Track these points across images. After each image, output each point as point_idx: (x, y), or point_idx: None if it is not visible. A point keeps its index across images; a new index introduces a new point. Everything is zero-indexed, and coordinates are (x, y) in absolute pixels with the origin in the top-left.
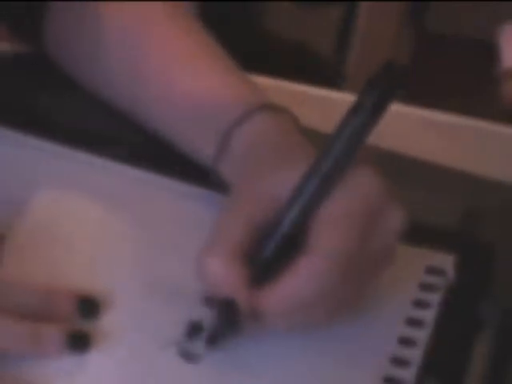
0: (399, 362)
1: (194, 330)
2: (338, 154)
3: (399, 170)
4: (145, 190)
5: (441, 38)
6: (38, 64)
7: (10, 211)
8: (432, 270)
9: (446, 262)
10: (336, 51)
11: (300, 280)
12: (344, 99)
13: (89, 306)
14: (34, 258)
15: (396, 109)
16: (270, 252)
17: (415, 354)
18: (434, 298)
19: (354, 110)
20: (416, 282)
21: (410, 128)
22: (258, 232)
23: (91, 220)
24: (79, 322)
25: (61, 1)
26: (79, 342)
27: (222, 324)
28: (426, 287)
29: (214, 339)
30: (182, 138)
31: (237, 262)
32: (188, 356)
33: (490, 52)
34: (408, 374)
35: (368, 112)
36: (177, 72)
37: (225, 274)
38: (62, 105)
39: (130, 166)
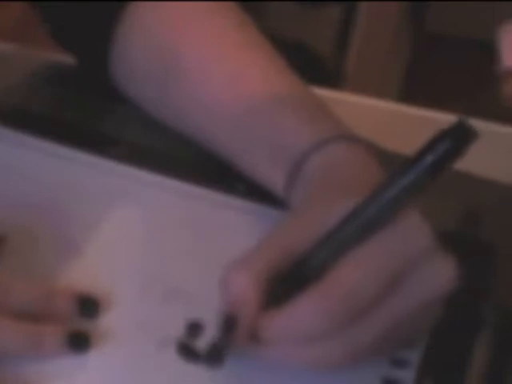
0: (398, 362)
1: (193, 329)
2: (382, 205)
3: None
4: (145, 190)
5: (441, 38)
6: (39, 64)
7: (10, 211)
8: None
9: None
10: (336, 51)
11: (302, 310)
12: (344, 99)
13: (89, 306)
14: (34, 258)
15: (396, 109)
16: (291, 280)
17: (414, 355)
18: None
19: (412, 163)
20: None
21: (410, 128)
22: (292, 259)
23: (91, 220)
24: (79, 321)
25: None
26: (79, 342)
27: (220, 337)
28: None
29: (215, 354)
30: (247, 166)
31: (258, 286)
32: (188, 356)
33: (489, 52)
34: (407, 374)
35: (427, 168)
36: (243, 92)
37: (242, 292)
38: (62, 105)
39: (129, 166)
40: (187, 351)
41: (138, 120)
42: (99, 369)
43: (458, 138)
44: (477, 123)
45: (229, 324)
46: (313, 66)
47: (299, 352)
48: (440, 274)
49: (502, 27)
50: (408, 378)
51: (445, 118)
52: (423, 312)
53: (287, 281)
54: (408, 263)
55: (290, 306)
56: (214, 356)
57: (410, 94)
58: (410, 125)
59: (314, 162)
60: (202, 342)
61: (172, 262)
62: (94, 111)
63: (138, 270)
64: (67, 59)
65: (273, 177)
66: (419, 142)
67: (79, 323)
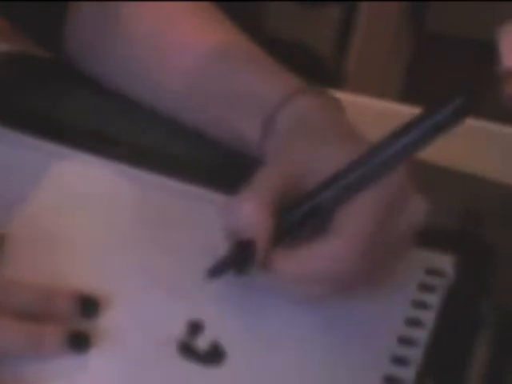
0: (399, 361)
1: (194, 329)
2: (391, 154)
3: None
4: (145, 190)
5: (441, 38)
6: (39, 63)
7: (10, 211)
8: (431, 271)
9: (446, 263)
10: (336, 51)
11: (318, 259)
12: (344, 99)
13: (89, 306)
14: (34, 258)
15: (396, 109)
16: (297, 219)
17: (415, 354)
18: (434, 299)
19: (421, 117)
20: (415, 283)
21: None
22: (290, 194)
23: (91, 220)
24: (79, 321)
25: (81, 0)
26: (79, 342)
27: (234, 261)
28: (425, 288)
29: (219, 271)
30: (219, 125)
31: (267, 210)
32: (188, 355)
33: (490, 52)
34: (408, 373)
35: (438, 122)
36: (213, 61)
37: (254, 216)
38: (62, 105)
39: (130, 166)
40: (187, 350)
41: (138, 120)
42: (99, 369)
43: (466, 96)
44: (477, 123)
45: (244, 249)
46: (313, 65)
47: (299, 288)
48: (418, 208)
49: (502, 27)
50: (409, 376)
51: None
52: (400, 244)
53: (292, 215)
54: (395, 201)
55: (304, 251)
56: (214, 355)
57: (409, 94)
58: None
59: (287, 112)
60: (202, 342)
61: (172, 262)
62: (94, 111)
63: (137, 269)
64: (67, 59)
65: (246, 130)
66: None
67: (79, 323)
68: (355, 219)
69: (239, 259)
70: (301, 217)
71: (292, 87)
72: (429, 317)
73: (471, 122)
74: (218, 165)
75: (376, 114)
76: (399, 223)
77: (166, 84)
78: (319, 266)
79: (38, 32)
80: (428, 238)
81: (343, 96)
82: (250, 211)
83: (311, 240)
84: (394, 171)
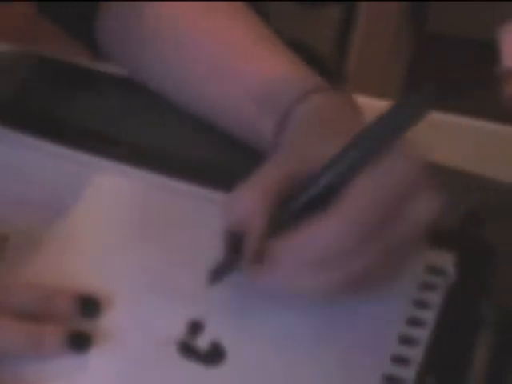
0: (399, 360)
1: (194, 329)
2: (380, 134)
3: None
4: (145, 190)
5: (441, 38)
6: (39, 63)
7: (10, 211)
8: (432, 270)
9: (446, 261)
10: (336, 51)
11: (310, 235)
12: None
13: (89, 306)
14: (34, 258)
15: None
16: (297, 208)
17: (415, 353)
18: (434, 298)
19: (411, 95)
20: (416, 282)
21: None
22: (294, 188)
23: (91, 220)
24: (80, 321)
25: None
26: (79, 342)
27: (226, 257)
28: (425, 287)
29: (218, 273)
30: (236, 118)
31: (264, 203)
32: (188, 355)
33: (490, 52)
34: (408, 372)
35: (423, 100)
36: (234, 54)
37: (250, 209)
38: (61, 105)
39: (130, 166)
40: (188, 350)
41: (138, 120)
42: (99, 369)
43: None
44: (477, 123)
45: (236, 243)
46: (313, 66)
47: (300, 276)
48: (428, 206)
49: (502, 27)
50: (409, 375)
51: (445, 118)
52: (405, 244)
53: (291, 206)
54: (402, 194)
55: (303, 228)
56: (214, 355)
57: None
58: None
59: (302, 110)
60: (203, 342)
61: (172, 262)
62: (94, 111)
63: (138, 269)
64: (67, 59)
65: (262, 125)
66: (419, 142)
67: (80, 323)
68: (351, 199)
69: (234, 254)
70: (298, 207)
71: (309, 84)
72: (429, 316)
73: (471, 122)
74: (219, 165)
75: (376, 113)
76: (408, 216)
77: (188, 72)
78: (315, 247)
79: (75, 29)
80: (428, 237)
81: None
82: (245, 204)
83: (307, 224)
84: (385, 149)
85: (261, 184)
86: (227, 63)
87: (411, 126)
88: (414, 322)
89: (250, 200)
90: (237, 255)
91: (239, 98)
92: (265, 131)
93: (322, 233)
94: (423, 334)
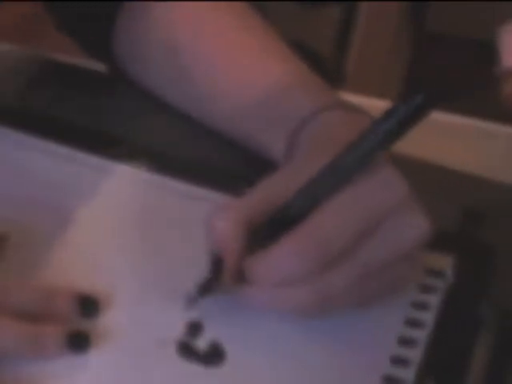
0: (399, 361)
1: (193, 329)
2: (357, 156)
3: (399, 170)
4: (145, 190)
5: (441, 38)
6: (40, 63)
7: (10, 211)
8: (431, 272)
9: (445, 264)
10: (336, 51)
11: (280, 252)
12: (344, 99)
13: (89, 306)
14: (34, 258)
15: None
16: (272, 227)
17: (415, 354)
18: (434, 300)
19: (386, 115)
20: (415, 284)
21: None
22: (273, 208)
23: (91, 220)
24: (79, 321)
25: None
26: (79, 342)
27: (208, 278)
28: (425, 289)
29: (204, 290)
30: (248, 135)
31: (238, 231)
32: (188, 355)
33: (490, 52)
34: (408, 373)
35: (400, 119)
36: (246, 68)
37: (223, 236)
38: (62, 105)
39: (130, 166)
40: (187, 351)
41: (138, 120)
42: (99, 369)
43: (427, 96)
44: (477, 123)
45: (216, 264)
46: (313, 66)
47: (278, 296)
48: (412, 226)
49: (502, 27)
50: (409, 376)
51: (445, 118)
52: (396, 263)
53: (269, 226)
54: (381, 213)
55: (271, 248)
56: (214, 355)
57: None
58: None
59: (311, 128)
60: (202, 342)
61: (172, 262)
62: (94, 111)
63: (137, 269)
64: (67, 58)
65: (272, 143)
66: (419, 142)
67: (79, 323)
68: (319, 219)
69: (216, 271)
70: (275, 227)
71: (322, 101)
72: (428, 318)
73: (471, 122)
74: (220, 166)
75: (375, 113)
76: (389, 237)
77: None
78: (279, 267)
79: (89, 44)
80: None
81: (343, 96)
82: (221, 228)
83: (275, 245)
84: (360, 169)
85: (237, 209)
86: (238, 75)
87: (396, 140)
88: (413, 323)
89: (224, 226)
90: (217, 274)
91: (247, 110)
92: (274, 149)
93: (283, 253)
94: (422, 335)
